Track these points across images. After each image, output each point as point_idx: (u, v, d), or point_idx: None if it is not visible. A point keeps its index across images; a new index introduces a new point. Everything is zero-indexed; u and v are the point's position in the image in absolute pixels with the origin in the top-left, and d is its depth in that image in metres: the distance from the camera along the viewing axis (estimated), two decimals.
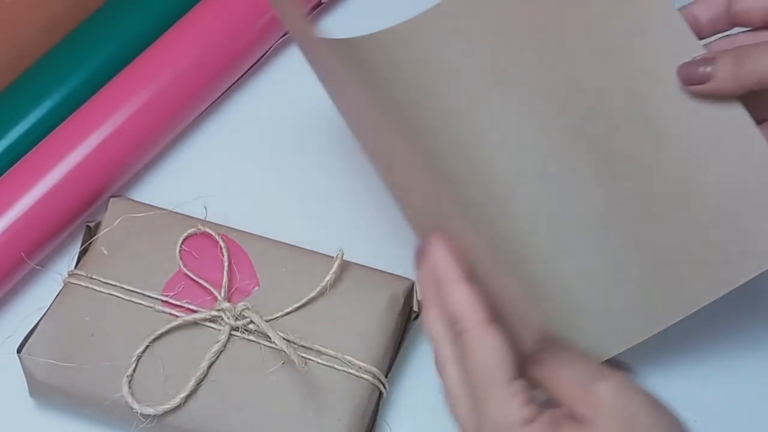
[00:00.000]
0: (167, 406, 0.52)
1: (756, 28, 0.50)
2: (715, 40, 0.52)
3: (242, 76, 0.67)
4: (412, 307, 0.56)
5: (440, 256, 0.41)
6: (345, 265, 0.56)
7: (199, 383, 0.52)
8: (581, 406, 0.39)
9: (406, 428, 0.55)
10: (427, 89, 0.51)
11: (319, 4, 0.69)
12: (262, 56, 0.67)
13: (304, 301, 0.54)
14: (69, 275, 0.56)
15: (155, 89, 0.62)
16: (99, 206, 0.61)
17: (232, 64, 0.65)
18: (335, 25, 0.70)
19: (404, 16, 0.70)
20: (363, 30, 0.70)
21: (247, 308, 0.53)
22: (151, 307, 0.55)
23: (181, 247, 0.56)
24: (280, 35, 0.68)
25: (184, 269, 0.56)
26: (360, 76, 0.49)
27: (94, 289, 0.55)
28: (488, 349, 0.40)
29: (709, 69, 0.48)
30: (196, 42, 0.64)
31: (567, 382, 0.40)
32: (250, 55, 0.67)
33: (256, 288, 0.55)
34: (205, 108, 0.66)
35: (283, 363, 0.53)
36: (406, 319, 0.56)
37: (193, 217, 0.58)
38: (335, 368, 0.53)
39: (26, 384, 0.54)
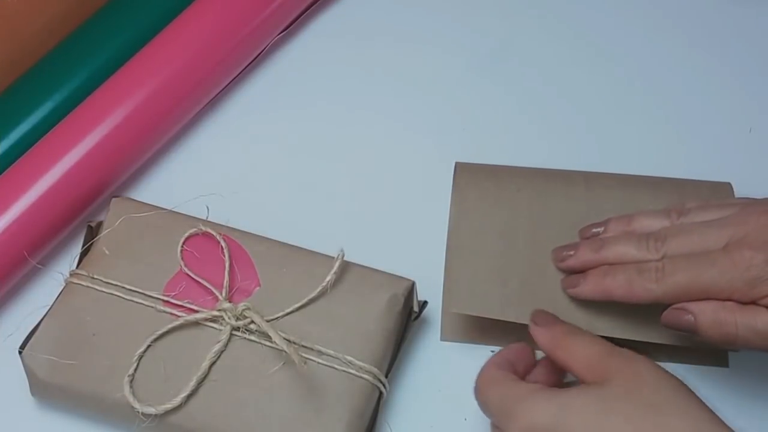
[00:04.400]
0: (168, 406, 0.52)
1: None
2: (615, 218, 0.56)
3: (240, 73, 0.67)
4: (412, 307, 0.56)
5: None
6: (345, 265, 0.56)
7: (200, 383, 0.53)
8: (594, 375, 0.48)
9: (406, 428, 0.55)
10: None
11: (316, 0, 0.70)
12: (260, 53, 0.67)
13: (304, 301, 0.55)
14: (71, 275, 0.56)
15: (154, 87, 0.62)
16: (101, 206, 0.61)
17: (230, 61, 0.65)
18: (332, 22, 0.71)
19: (399, 12, 0.71)
20: (359, 26, 0.70)
21: (248, 308, 0.53)
22: (152, 307, 0.55)
23: (182, 247, 0.57)
24: (277, 32, 0.68)
25: (186, 269, 0.56)
26: None
27: (96, 289, 0.55)
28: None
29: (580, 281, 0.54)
30: (194, 39, 0.64)
31: (583, 360, 0.49)
32: (248, 51, 0.67)
33: (257, 288, 0.56)
34: (204, 105, 0.66)
35: (283, 363, 0.53)
36: (406, 319, 0.56)
37: (195, 217, 0.58)
38: (335, 368, 0.53)
39: (28, 383, 0.54)
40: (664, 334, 0.54)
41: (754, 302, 0.48)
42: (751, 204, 0.51)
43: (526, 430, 0.47)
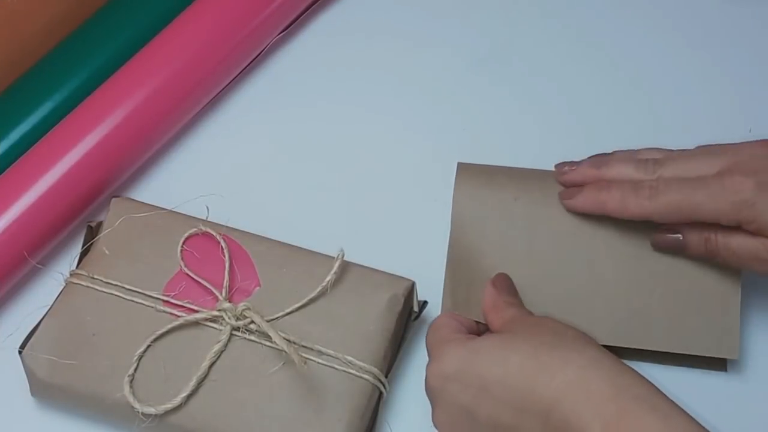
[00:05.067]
0: (168, 406, 0.52)
1: None
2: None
3: (240, 73, 0.67)
4: (412, 307, 0.56)
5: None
6: (345, 265, 0.56)
7: (200, 383, 0.53)
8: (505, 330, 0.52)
9: (406, 428, 0.55)
10: None
11: (316, 0, 0.70)
12: (260, 53, 0.68)
13: (304, 301, 0.55)
14: (71, 275, 0.57)
15: (154, 87, 0.62)
16: (101, 206, 0.61)
17: (230, 61, 0.66)
18: (332, 22, 0.71)
19: (399, 12, 0.71)
20: (359, 26, 0.70)
21: (248, 308, 0.53)
22: (152, 307, 0.55)
23: (182, 247, 0.57)
24: (277, 32, 0.68)
25: (186, 269, 0.56)
26: None
27: (96, 289, 0.56)
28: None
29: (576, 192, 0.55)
30: (194, 39, 0.64)
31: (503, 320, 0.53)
32: (248, 51, 0.67)
33: (257, 288, 0.56)
34: (204, 105, 0.66)
35: (283, 363, 0.53)
36: (406, 319, 0.56)
37: (195, 217, 0.58)
38: (335, 368, 0.53)
39: (27, 382, 0.54)
40: (662, 341, 0.54)
41: (739, 226, 0.51)
42: (748, 142, 0.54)
43: (438, 376, 0.50)
